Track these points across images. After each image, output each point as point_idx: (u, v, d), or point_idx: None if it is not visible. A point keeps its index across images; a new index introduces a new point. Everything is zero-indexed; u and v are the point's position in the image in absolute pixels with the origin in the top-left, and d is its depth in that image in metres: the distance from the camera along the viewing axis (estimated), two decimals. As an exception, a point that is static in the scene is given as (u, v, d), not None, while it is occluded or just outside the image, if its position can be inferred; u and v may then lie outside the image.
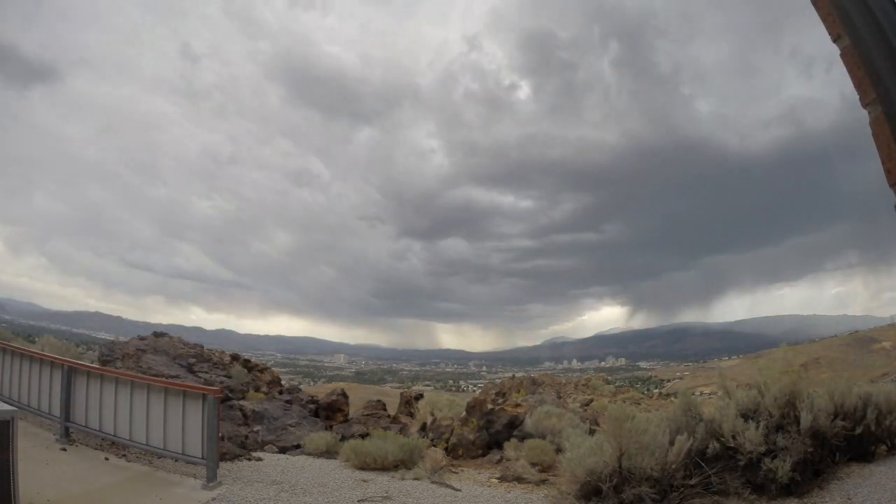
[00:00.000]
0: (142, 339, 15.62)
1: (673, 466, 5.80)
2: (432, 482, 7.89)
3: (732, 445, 5.99)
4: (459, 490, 7.59)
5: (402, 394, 18.96)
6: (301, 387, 24.19)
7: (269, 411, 13.52)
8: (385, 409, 15.99)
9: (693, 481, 5.75)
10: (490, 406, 14.25)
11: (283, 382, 19.26)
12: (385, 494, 7.13)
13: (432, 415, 13.37)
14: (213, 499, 6.32)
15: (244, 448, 9.88)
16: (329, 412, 15.12)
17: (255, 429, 11.93)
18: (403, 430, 12.87)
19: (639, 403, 15.92)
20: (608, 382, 24.19)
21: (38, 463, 6.42)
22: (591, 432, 8.34)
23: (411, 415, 15.72)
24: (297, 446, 11.06)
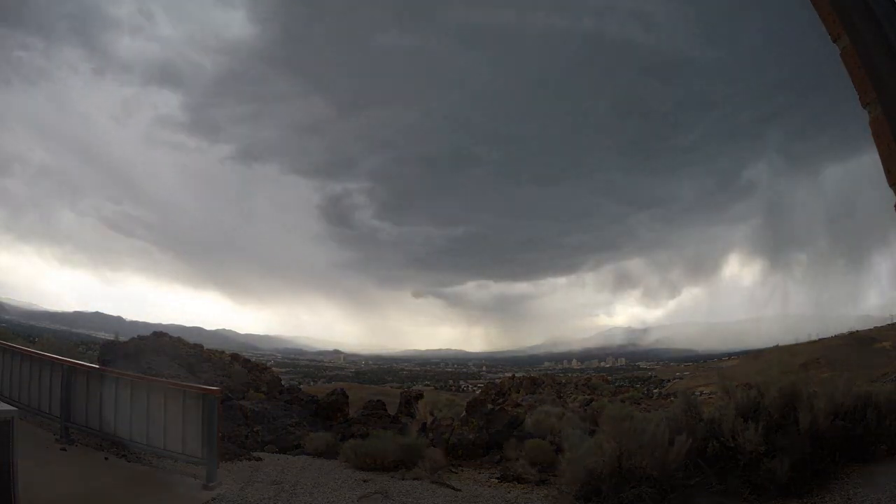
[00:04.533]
0: (142, 339, 15.61)
1: (673, 466, 5.80)
2: (432, 482, 7.90)
3: (732, 445, 5.99)
4: (459, 490, 7.59)
5: (402, 394, 18.98)
6: (301, 387, 24.23)
7: (269, 411, 13.52)
8: (385, 409, 15.98)
9: (693, 481, 5.75)
10: (490, 406, 14.27)
11: (283, 382, 19.29)
12: (385, 494, 7.14)
13: (432, 415, 13.40)
14: (213, 499, 6.31)
15: (244, 448, 9.88)
16: (329, 412, 15.11)
17: (255, 429, 11.93)
18: (403, 430, 12.86)
19: (639, 403, 15.92)
20: (608, 382, 24.21)
21: (38, 463, 6.40)
22: (591, 432, 8.35)
23: (411, 415, 15.74)
24: (297, 446, 11.05)
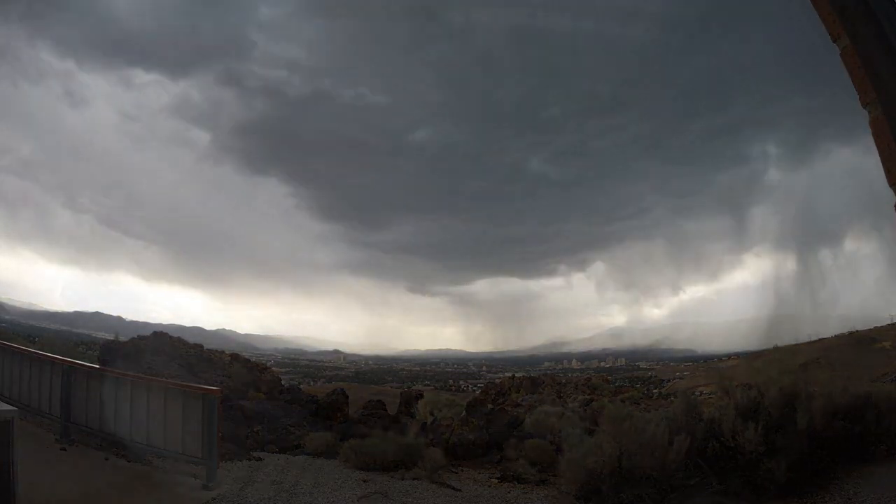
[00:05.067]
0: (142, 339, 15.61)
1: (673, 466, 5.81)
2: (432, 482, 7.90)
3: (732, 445, 5.99)
4: (459, 490, 7.60)
5: (401, 394, 18.97)
6: (301, 387, 24.20)
7: (269, 411, 13.52)
8: (385, 409, 15.99)
9: (693, 481, 5.76)
10: (490, 406, 14.29)
11: (283, 382, 19.28)
12: (385, 494, 7.14)
13: (432, 415, 13.40)
14: (213, 499, 6.32)
15: (244, 448, 9.88)
16: (329, 412, 15.10)
17: (255, 429, 11.93)
18: (403, 430, 12.86)
19: (639, 403, 15.92)
20: (608, 382, 24.19)
21: (38, 463, 6.40)
22: (591, 432, 8.35)
23: (411, 415, 15.72)
24: (298, 446, 11.05)
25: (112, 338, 16.16)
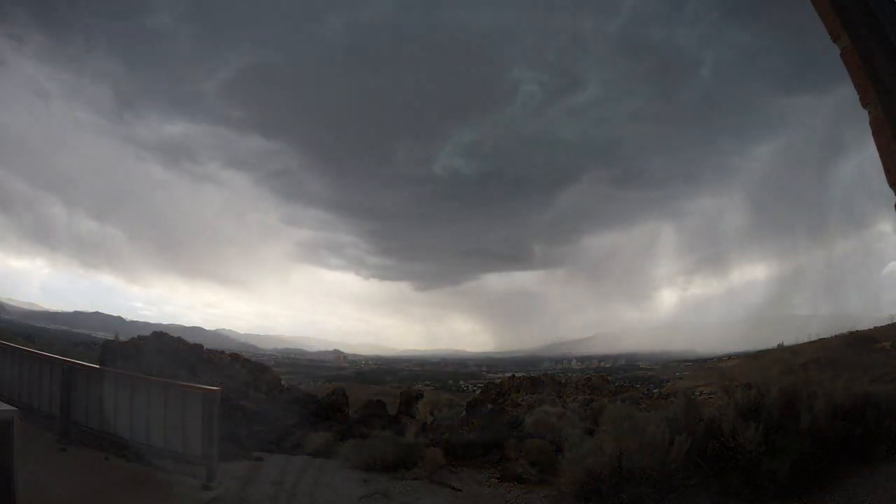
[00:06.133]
0: (142, 339, 15.58)
1: (673, 466, 5.81)
2: (432, 482, 7.90)
3: (732, 445, 5.99)
4: (460, 490, 7.60)
5: (401, 394, 18.95)
6: (301, 387, 24.18)
7: (269, 411, 13.52)
8: (385, 409, 15.98)
9: (693, 481, 5.76)
10: (490, 406, 14.29)
11: (283, 382, 19.27)
12: (385, 494, 7.14)
13: (432, 415, 13.38)
14: (213, 499, 6.32)
15: (244, 448, 9.88)
16: (329, 412, 15.10)
17: (255, 429, 11.93)
18: (403, 430, 12.86)
19: (638, 403, 15.90)
20: (608, 382, 24.14)
21: (38, 463, 6.39)
22: (591, 432, 8.35)
23: (411, 415, 15.72)
24: (297, 446, 11.05)
25: (112, 338, 16.13)
